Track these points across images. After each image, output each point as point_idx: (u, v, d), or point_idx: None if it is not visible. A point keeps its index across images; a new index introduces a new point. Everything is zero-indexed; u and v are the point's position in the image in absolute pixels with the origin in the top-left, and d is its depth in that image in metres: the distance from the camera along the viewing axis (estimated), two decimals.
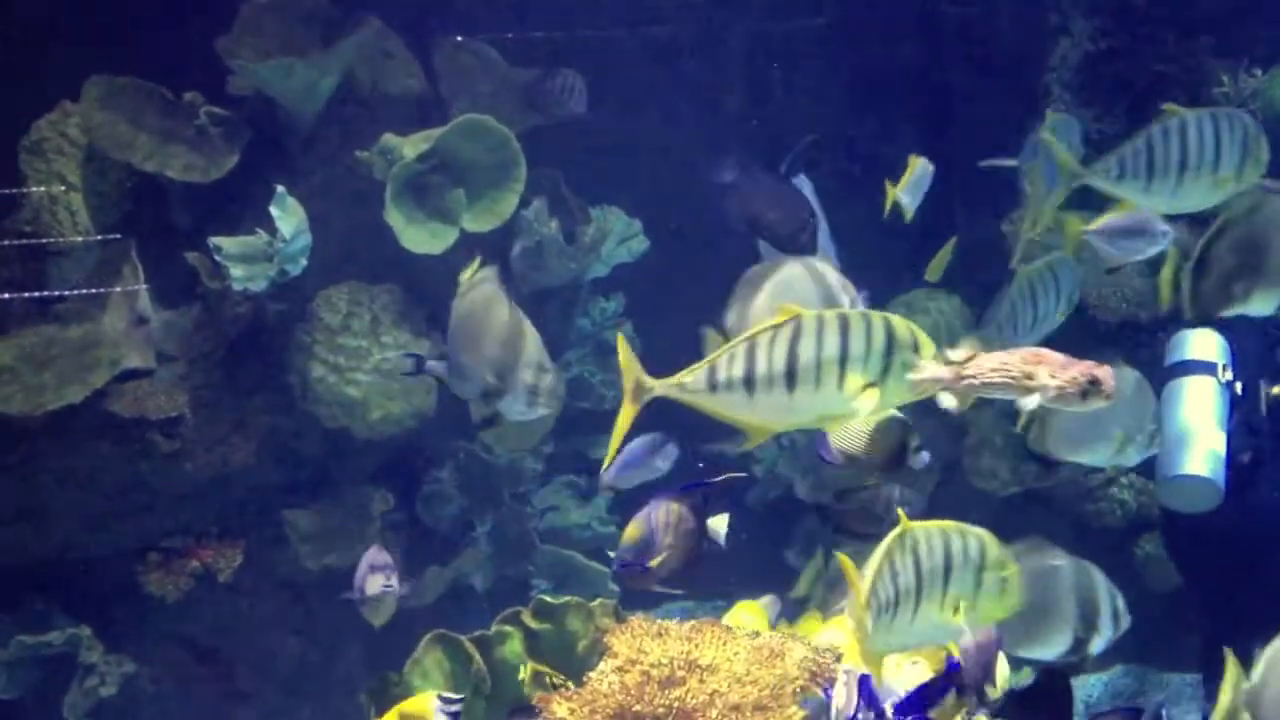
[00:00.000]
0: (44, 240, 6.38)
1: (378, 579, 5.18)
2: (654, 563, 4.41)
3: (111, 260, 6.41)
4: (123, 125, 6.41)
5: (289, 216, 6.20)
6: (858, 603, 3.62)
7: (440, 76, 7.28)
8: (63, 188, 6.43)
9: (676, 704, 4.19)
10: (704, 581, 5.18)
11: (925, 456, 4.95)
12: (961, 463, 7.54)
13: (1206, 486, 5.35)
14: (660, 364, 7.71)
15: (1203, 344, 5.62)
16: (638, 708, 4.11)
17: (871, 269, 8.07)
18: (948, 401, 3.90)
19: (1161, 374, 5.70)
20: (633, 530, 4.51)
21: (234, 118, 6.52)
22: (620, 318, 8.04)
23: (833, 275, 4.64)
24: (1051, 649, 4.73)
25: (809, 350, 3.73)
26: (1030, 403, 3.71)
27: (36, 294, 6.35)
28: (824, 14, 8.32)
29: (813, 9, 8.29)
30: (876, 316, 3.74)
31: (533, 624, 5.05)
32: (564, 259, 7.37)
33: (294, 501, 6.92)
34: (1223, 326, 5.71)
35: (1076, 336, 6.33)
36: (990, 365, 3.70)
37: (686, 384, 3.89)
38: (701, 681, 4.33)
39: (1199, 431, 5.40)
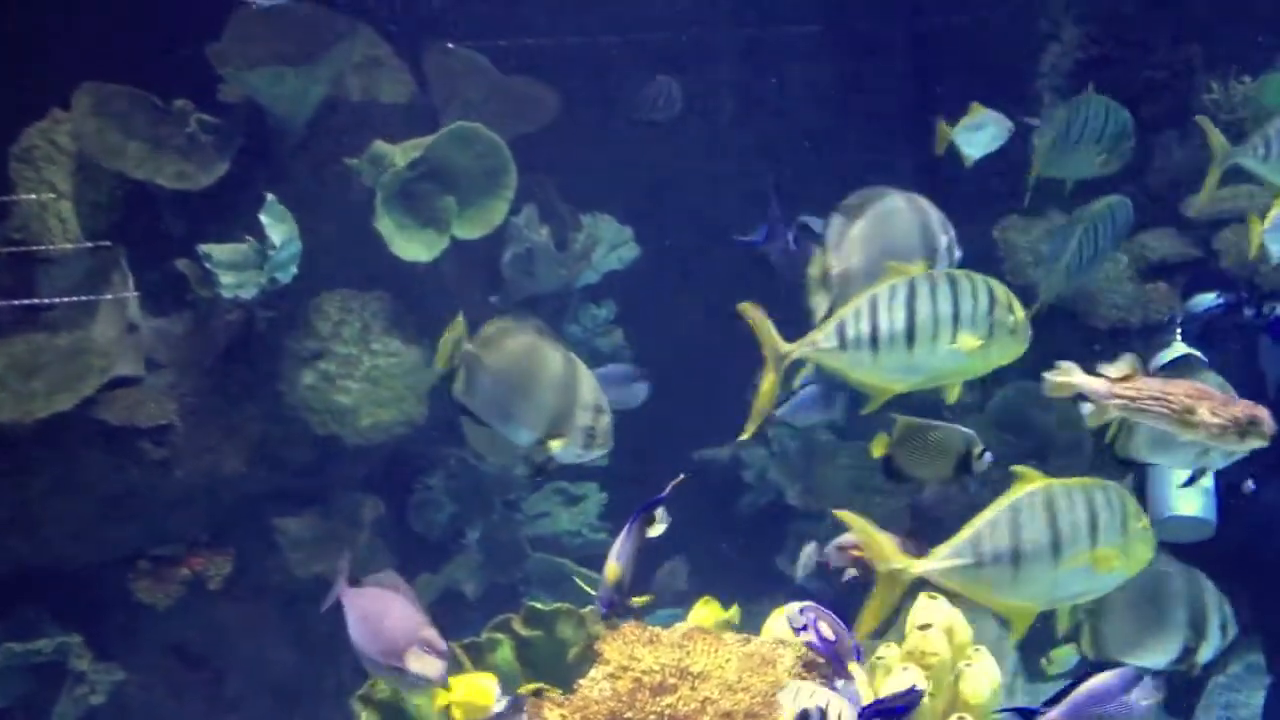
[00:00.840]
0: (34, 248, 6.36)
1: (429, 662, 4.86)
2: (639, 601, 4.40)
3: (101, 268, 6.39)
4: (113, 133, 6.40)
5: (279, 224, 6.20)
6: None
7: (431, 83, 7.29)
8: (53, 195, 6.41)
9: (668, 711, 4.19)
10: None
11: (989, 457, 4.98)
12: None
13: (1198, 523, 5.36)
14: (651, 373, 7.75)
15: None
16: (629, 715, 4.11)
17: None
18: (1086, 411, 3.98)
19: None
20: (612, 571, 4.49)
21: (224, 125, 6.51)
22: (611, 325, 8.03)
23: (932, 210, 4.67)
24: (1161, 656, 4.72)
25: (925, 308, 4.03)
26: (1102, 415, 3.79)
27: (26, 301, 6.33)
28: (815, 22, 8.33)
29: (803, 17, 8.30)
30: (978, 277, 4.03)
31: (524, 631, 5.04)
32: (555, 266, 7.37)
33: (284, 509, 6.91)
34: (1207, 342, 5.75)
35: (1066, 342, 6.38)
36: (1150, 392, 3.75)
37: (819, 342, 4.15)
38: (693, 689, 4.32)
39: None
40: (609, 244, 7.78)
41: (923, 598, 4.51)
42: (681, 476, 4.43)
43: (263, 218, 6.16)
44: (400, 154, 6.68)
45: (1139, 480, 5.78)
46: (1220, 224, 7.01)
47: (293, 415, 6.72)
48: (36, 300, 6.36)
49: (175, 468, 6.47)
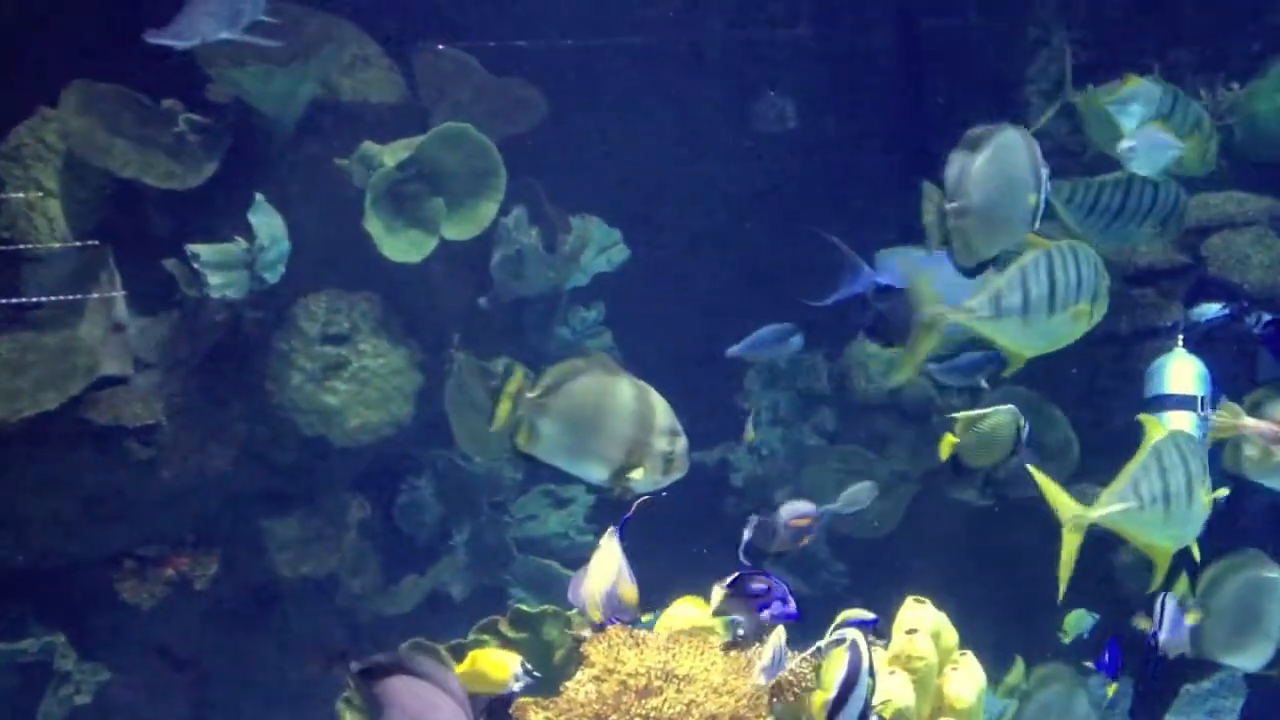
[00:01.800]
0: (21, 246, 6.34)
1: None
2: (645, 617, 4.40)
3: (89, 267, 6.38)
4: (101, 132, 6.38)
5: (267, 224, 6.19)
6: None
7: (420, 84, 7.28)
8: (40, 194, 6.40)
9: (653, 713, 4.18)
10: None
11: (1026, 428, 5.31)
12: (939, 475, 7.55)
13: None
14: (641, 375, 7.73)
15: (1181, 376, 5.72)
16: (614, 717, 4.10)
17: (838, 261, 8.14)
18: (1249, 451, 4.27)
19: (1141, 405, 5.77)
20: (631, 593, 4.49)
21: (213, 125, 6.50)
22: (600, 327, 8.03)
23: (1035, 144, 4.81)
24: (1255, 659, 4.76)
25: (1062, 277, 4.50)
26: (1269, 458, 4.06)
27: (13, 300, 6.31)
28: (805, 26, 8.33)
29: (794, 22, 8.30)
30: (1085, 249, 4.58)
31: (510, 633, 5.04)
32: (544, 268, 7.37)
33: (271, 510, 6.90)
34: (1206, 350, 5.77)
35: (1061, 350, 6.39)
36: None
37: (974, 309, 4.51)
38: (678, 691, 4.32)
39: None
40: (598, 246, 7.77)
41: (909, 602, 4.52)
42: (643, 500, 4.42)
43: (251, 218, 6.14)
44: (389, 154, 6.67)
45: None
46: (1208, 231, 7.03)
47: (280, 416, 6.71)
48: (23, 299, 6.34)
49: (161, 468, 6.45)
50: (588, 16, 7.88)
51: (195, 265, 6.21)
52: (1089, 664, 5.63)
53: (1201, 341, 5.90)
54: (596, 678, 4.41)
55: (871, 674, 3.94)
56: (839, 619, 4.29)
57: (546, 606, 5.31)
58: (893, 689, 4.62)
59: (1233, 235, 7.01)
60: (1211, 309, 6.14)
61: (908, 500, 7.74)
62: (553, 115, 7.57)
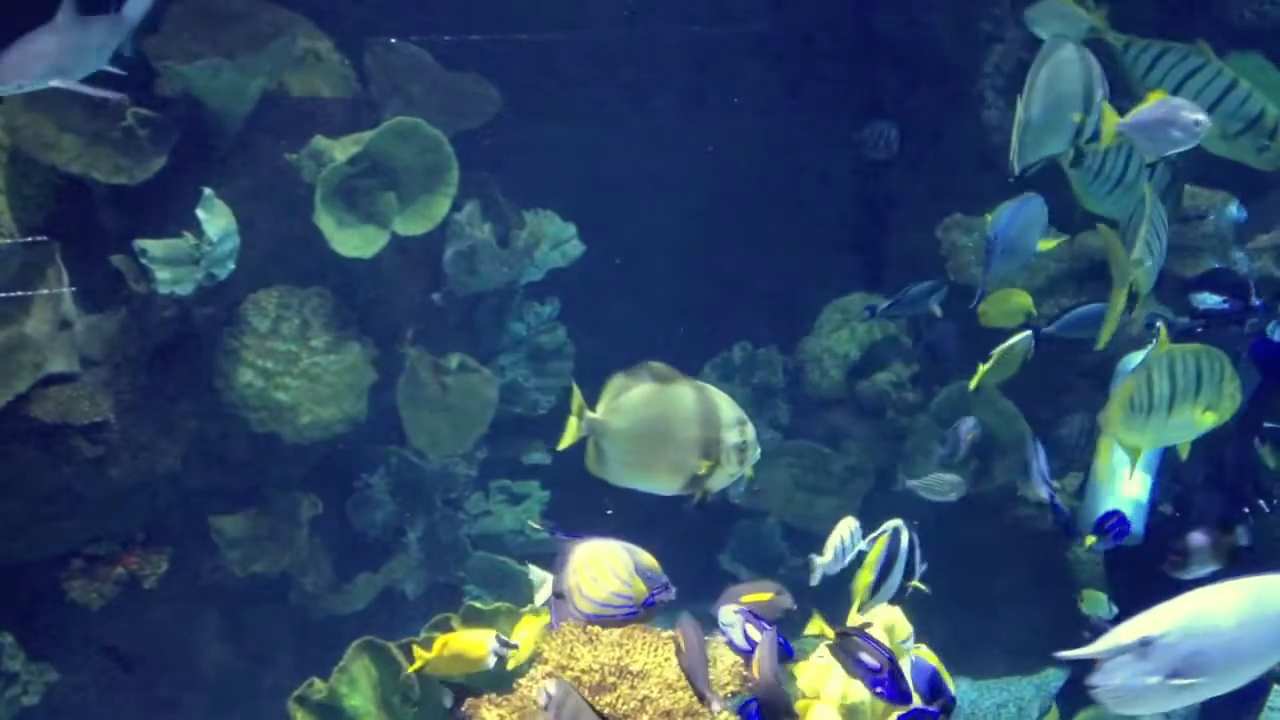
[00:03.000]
0: None
1: None
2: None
3: (35, 263, 6.30)
4: (48, 126, 6.30)
5: (216, 219, 6.13)
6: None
7: (372, 79, 7.24)
8: None
9: (608, 710, 4.18)
10: None
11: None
12: (896, 467, 7.56)
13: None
14: (597, 368, 7.75)
15: None
16: None
17: (808, 270, 8.17)
18: None
19: (1099, 400, 5.78)
20: (652, 559, 4.48)
21: (161, 120, 6.42)
22: (555, 322, 8.01)
23: (1093, 64, 4.99)
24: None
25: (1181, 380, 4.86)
26: None
27: None
28: (761, 22, 8.33)
29: (750, 17, 8.29)
30: (1209, 352, 4.88)
31: None
32: (497, 263, 7.34)
33: (221, 507, 6.84)
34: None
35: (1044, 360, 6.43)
36: None
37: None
38: (633, 688, 4.32)
39: (1122, 478, 5.56)
40: (552, 241, 7.75)
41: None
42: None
43: (200, 213, 6.09)
44: (341, 149, 6.64)
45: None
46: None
47: (230, 413, 6.66)
48: None
49: (110, 466, 6.38)
50: (543, 11, 7.85)
51: (144, 261, 6.15)
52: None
53: (1180, 340, 5.88)
54: (550, 675, 4.40)
55: (912, 552, 4.55)
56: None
57: (500, 604, 5.30)
58: (846, 685, 4.64)
59: (1183, 229, 7.05)
60: (1212, 300, 6.11)
61: (863, 495, 7.75)
62: (508, 110, 7.54)
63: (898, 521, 4.57)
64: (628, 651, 4.48)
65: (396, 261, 7.06)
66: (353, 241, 6.69)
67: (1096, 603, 5.77)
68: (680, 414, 4.25)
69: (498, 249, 7.32)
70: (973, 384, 6.22)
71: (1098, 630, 4.19)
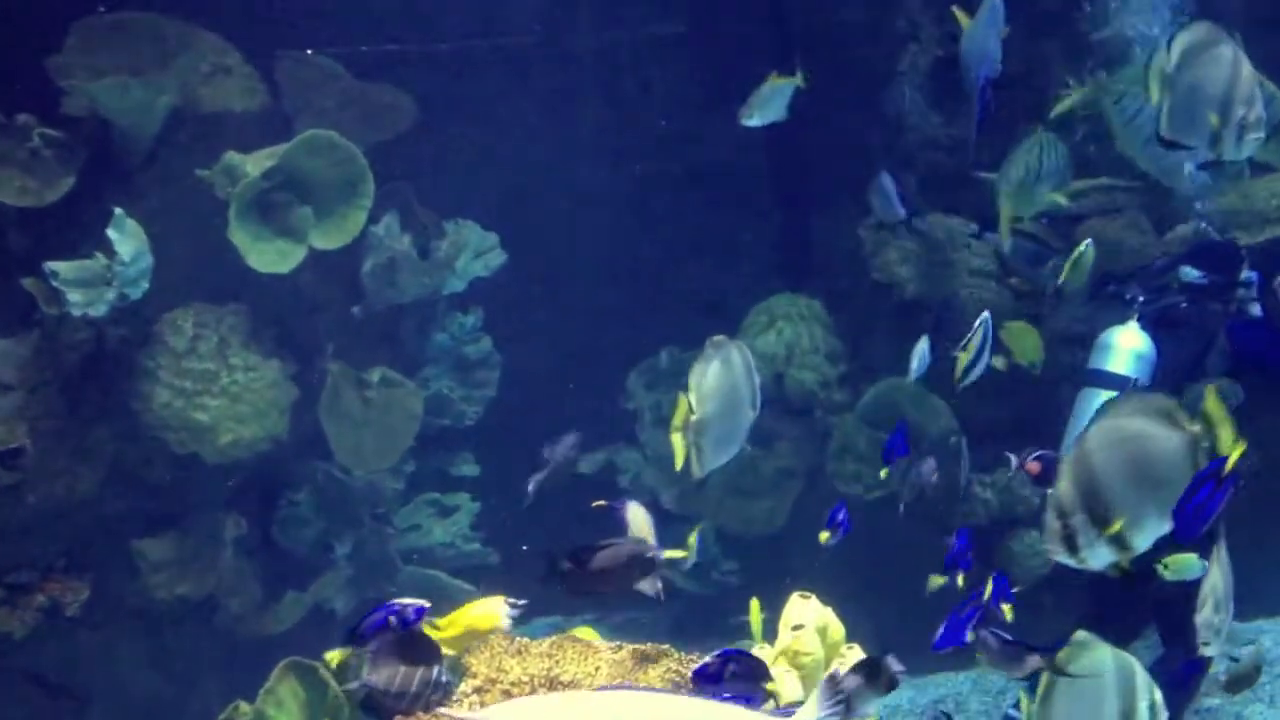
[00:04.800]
0: None
1: None
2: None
3: None
4: None
5: (128, 239, 6.06)
6: None
7: (283, 92, 7.18)
8: None
9: None
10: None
11: None
12: (825, 468, 7.55)
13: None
14: (522, 380, 7.71)
15: (1119, 354, 5.77)
16: None
17: (732, 271, 8.16)
18: None
19: (1082, 376, 5.90)
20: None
21: (68, 139, 6.34)
22: (479, 332, 7.97)
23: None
24: None
25: None
26: None
27: None
28: (678, 23, 8.32)
29: (667, 19, 8.29)
30: None
31: None
32: (417, 274, 7.30)
33: (144, 530, 6.74)
34: (1161, 326, 5.79)
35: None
36: None
37: None
38: None
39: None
40: (474, 250, 7.71)
41: (795, 598, 4.52)
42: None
43: (111, 233, 6.01)
44: (253, 164, 6.58)
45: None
46: (1081, 219, 7.09)
47: (149, 434, 6.58)
48: None
49: (27, 492, 6.30)
50: (458, 20, 7.82)
51: (55, 283, 6.06)
52: None
53: (1159, 320, 5.88)
54: (479, 689, 4.36)
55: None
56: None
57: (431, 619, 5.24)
58: (780, 686, 4.61)
59: (1105, 223, 7.10)
60: (1192, 274, 6.10)
61: (794, 496, 7.74)
62: (424, 120, 7.49)
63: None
64: (557, 662, 4.44)
65: (314, 276, 6.99)
66: (269, 257, 6.63)
67: (1187, 566, 5.68)
68: (740, 383, 4.40)
69: (417, 260, 7.28)
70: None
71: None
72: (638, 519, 4.64)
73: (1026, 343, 6.31)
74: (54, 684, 6.68)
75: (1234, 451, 3.22)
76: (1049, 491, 3.29)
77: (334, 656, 4.49)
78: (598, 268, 8.01)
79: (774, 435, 7.88)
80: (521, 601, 4.48)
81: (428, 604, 4.24)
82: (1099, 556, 3.24)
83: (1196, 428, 3.18)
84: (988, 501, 7.22)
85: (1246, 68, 4.63)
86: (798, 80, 5.89)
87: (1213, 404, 3.21)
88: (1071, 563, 3.27)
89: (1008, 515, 7.21)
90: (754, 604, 5.30)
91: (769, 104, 5.86)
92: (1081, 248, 5.97)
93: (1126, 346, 5.77)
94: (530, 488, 5.73)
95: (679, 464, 4.29)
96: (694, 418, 4.23)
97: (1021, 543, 7.18)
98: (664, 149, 8.20)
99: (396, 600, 4.23)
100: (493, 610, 4.44)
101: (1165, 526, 3.26)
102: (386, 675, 4.01)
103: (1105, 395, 5.64)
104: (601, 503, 4.71)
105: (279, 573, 7.16)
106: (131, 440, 6.60)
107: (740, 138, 8.23)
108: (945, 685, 7.20)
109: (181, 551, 6.74)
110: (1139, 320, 5.81)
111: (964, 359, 5.75)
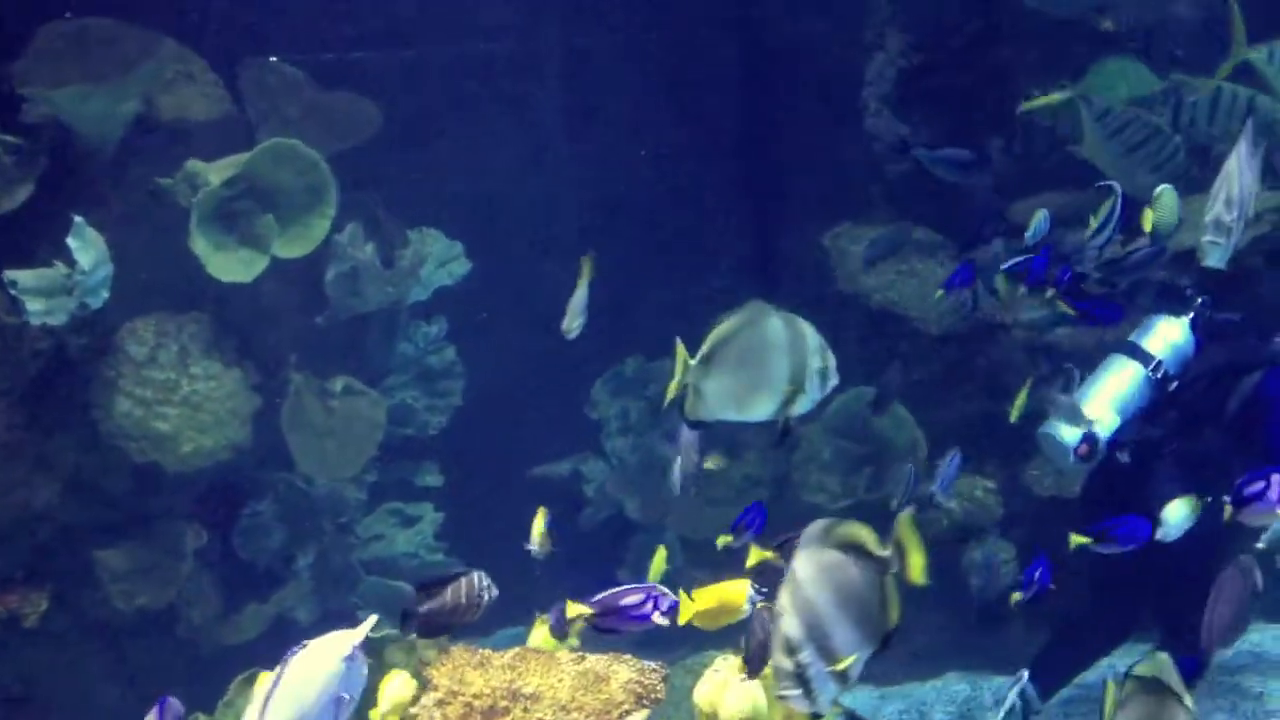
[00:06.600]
0: None
1: None
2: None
3: None
4: None
5: (88, 247, 5.99)
6: None
7: (247, 100, 7.15)
8: None
9: None
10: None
11: None
12: (791, 478, 7.55)
13: (1064, 450, 5.74)
14: (486, 388, 7.70)
15: (1157, 336, 5.87)
16: None
17: (700, 281, 8.16)
18: None
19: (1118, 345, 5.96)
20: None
21: (28, 147, 6.29)
22: (444, 341, 7.96)
23: None
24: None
25: None
26: None
27: None
28: (645, 33, 8.32)
29: (635, 28, 8.29)
30: None
31: None
32: (381, 283, 7.28)
33: (104, 541, 6.68)
34: (1210, 337, 5.87)
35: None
36: None
37: None
38: (525, 711, 4.29)
39: (1091, 405, 5.75)
40: (438, 260, 7.70)
41: (710, 675, 4.52)
42: None
43: (70, 241, 5.94)
44: (215, 173, 6.56)
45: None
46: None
47: (109, 444, 6.54)
48: None
49: None
50: (423, 27, 7.80)
51: (14, 292, 5.98)
52: None
53: (1210, 330, 5.94)
54: (440, 701, 4.36)
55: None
56: None
57: (389, 630, 5.22)
58: (745, 695, 4.60)
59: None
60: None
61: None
62: (390, 127, 7.47)
63: None
64: (520, 674, 4.44)
65: (278, 285, 6.97)
66: (231, 266, 6.61)
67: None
68: (771, 345, 4.33)
69: (381, 269, 7.26)
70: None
71: None
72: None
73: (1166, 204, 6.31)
74: (13, 696, 6.62)
75: (921, 580, 3.19)
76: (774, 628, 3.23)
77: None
78: (564, 277, 7.99)
79: (741, 443, 7.88)
80: (764, 589, 4.48)
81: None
82: (828, 692, 3.16)
83: (887, 553, 3.18)
84: (951, 511, 7.21)
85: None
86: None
87: (905, 529, 3.19)
88: (805, 706, 3.17)
89: (972, 524, 7.20)
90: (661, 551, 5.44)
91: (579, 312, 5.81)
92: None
93: (1170, 335, 5.88)
94: (679, 478, 6.10)
95: (668, 399, 4.28)
96: (693, 362, 4.21)
97: (985, 551, 7.18)
98: (632, 158, 8.19)
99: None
100: (740, 591, 4.46)
101: (869, 653, 3.22)
102: (437, 601, 4.16)
103: (1131, 366, 5.81)
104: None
105: (240, 583, 7.12)
106: (92, 450, 6.55)
107: (709, 148, 8.28)
108: (910, 695, 7.21)
109: (142, 562, 6.69)
110: (1193, 320, 5.89)
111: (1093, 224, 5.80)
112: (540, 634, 4.76)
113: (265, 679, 3.36)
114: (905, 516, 3.24)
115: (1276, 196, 6.91)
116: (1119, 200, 5.71)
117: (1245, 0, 6.06)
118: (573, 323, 5.55)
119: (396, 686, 4.49)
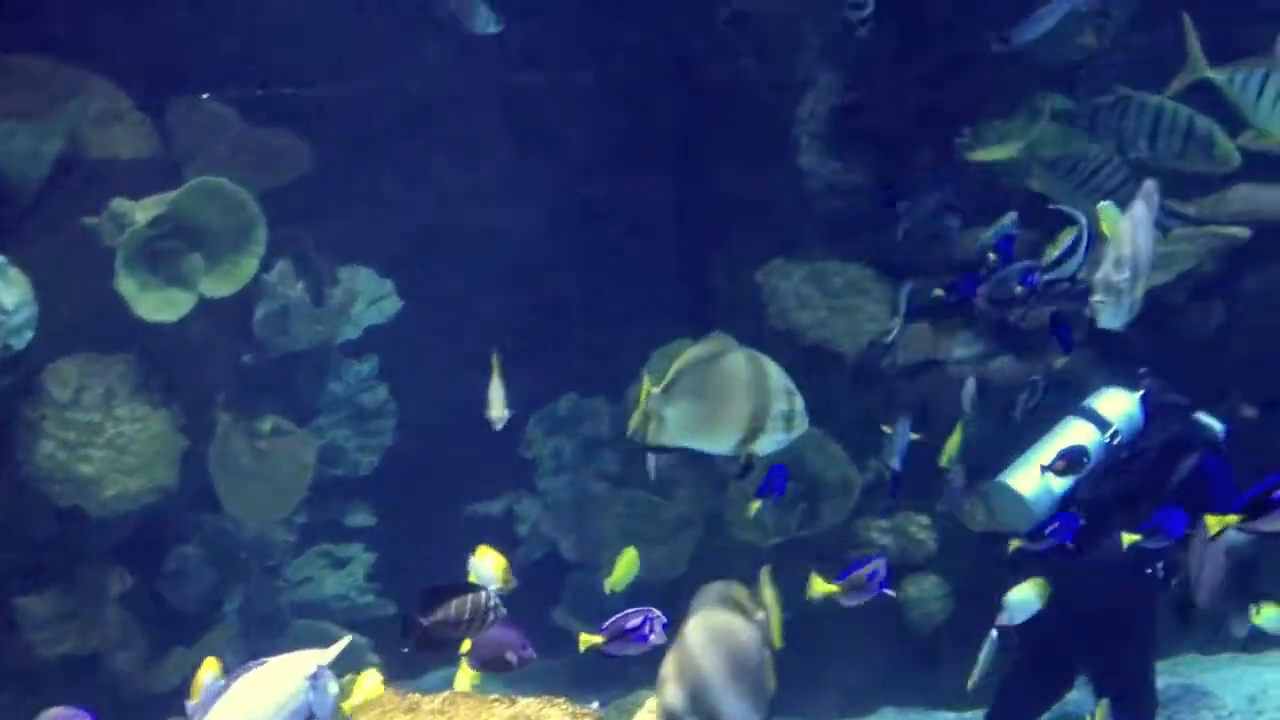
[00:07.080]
0: None
1: None
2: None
3: None
4: None
5: (12, 287, 5.97)
6: None
7: (174, 138, 7.10)
8: None
9: None
10: None
11: None
12: (725, 515, 7.53)
13: (1021, 505, 5.72)
14: (419, 428, 7.63)
15: (1111, 404, 5.89)
16: None
17: (634, 320, 8.14)
18: None
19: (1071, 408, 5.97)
20: None
21: None
22: (375, 380, 7.91)
23: None
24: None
25: None
26: None
27: None
28: (581, 71, 8.33)
29: (572, 67, 8.29)
30: None
31: None
32: (310, 322, 7.24)
33: (25, 586, 6.61)
34: (1157, 413, 5.92)
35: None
36: None
37: None
38: None
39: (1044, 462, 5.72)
40: (369, 298, 7.66)
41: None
42: None
43: None
44: (142, 211, 6.51)
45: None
46: None
47: (31, 487, 6.47)
48: None
49: None
50: (357, 64, 7.77)
51: None
52: None
53: (1159, 407, 5.96)
54: None
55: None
56: None
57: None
58: None
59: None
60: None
61: (693, 543, 7.71)
62: (321, 165, 7.43)
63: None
64: (450, 718, 4.39)
65: (205, 324, 6.91)
66: (157, 305, 6.56)
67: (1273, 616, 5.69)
68: (732, 381, 4.44)
69: (311, 307, 7.22)
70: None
71: None
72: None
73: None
74: None
75: (779, 643, 3.23)
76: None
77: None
78: (497, 316, 7.97)
79: (673, 481, 7.86)
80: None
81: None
82: None
83: (762, 614, 3.20)
84: (886, 548, 7.21)
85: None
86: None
87: (768, 593, 3.24)
88: None
89: (906, 561, 7.21)
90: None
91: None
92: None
93: (1124, 405, 5.89)
94: (895, 464, 6.13)
95: (631, 427, 4.45)
96: (656, 390, 4.29)
97: (920, 588, 7.18)
98: (566, 198, 8.19)
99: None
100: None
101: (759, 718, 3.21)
102: (440, 614, 4.12)
103: (1088, 427, 5.81)
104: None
105: (168, 628, 7.03)
106: (12, 493, 6.49)
107: (643, 186, 8.27)
108: None
109: (64, 607, 6.62)
110: (1143, 396, 5.93)
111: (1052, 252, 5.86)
112: (465, 677, 4.73)
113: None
114: (765, 571, 3.24)
115: (1195, 232, 7.02)
116: (1085, 230, 5.76)
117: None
118: (500, 412, 5.52)
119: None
